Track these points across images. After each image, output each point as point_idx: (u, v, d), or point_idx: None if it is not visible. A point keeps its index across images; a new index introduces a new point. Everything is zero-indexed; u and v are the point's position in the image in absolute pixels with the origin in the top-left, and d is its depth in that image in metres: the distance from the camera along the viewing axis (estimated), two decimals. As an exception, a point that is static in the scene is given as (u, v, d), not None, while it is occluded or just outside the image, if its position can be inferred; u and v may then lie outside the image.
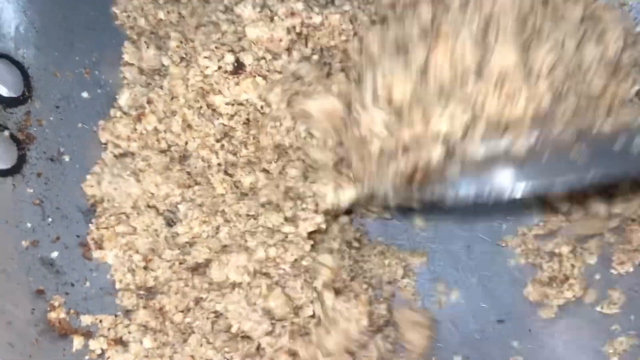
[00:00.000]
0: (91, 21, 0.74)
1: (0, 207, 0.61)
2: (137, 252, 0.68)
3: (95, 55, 0.74)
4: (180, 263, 0.68)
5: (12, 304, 0.56)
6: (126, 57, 0.76)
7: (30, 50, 0.68)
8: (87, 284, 0.64)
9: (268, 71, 0.69)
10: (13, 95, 0.66)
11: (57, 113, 0.70)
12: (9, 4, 0.66)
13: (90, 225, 0.68)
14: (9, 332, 0.55)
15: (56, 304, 0.60)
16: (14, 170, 0.64)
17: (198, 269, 0.68)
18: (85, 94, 0.73)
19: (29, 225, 0.63)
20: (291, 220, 0.68)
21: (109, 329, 0.62)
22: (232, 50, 0.71)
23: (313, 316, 0.67)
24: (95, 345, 0.59)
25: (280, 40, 0.70)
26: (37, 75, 0.69)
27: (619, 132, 0.59)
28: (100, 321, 0.61)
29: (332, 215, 0.74)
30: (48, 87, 0.69)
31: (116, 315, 0.63)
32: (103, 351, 0.60)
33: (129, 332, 0.62)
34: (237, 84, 0.69)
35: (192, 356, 0.63)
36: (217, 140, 0.72)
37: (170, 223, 0.70)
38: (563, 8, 0.63)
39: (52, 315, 0.59)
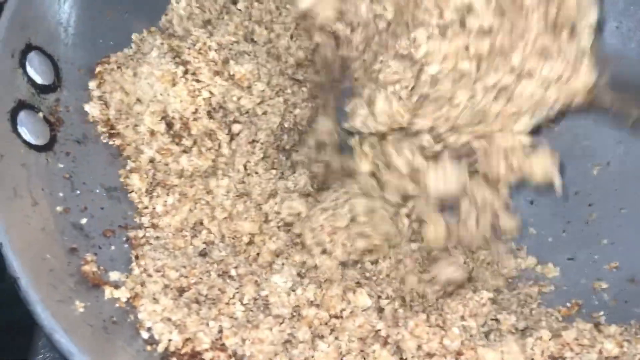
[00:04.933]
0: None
1: (37, 177, 0.68)
2: None
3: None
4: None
5: (51, 255, 0.63)
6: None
7: (60, 47, 0.77)
8: (112, 247, 0.71)
9: None
10: (45, 83, 0.74)
11: (81, 102, 0.78)
12: (47, 11, 0.75)
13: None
14: (51, 277, 0.61)
15: (89, 259, 0.67)
16: (47, 147, 0.71)
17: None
18: (104, 88, 0.81)
19: (61, 194, 0.70)
20: None
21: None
22: None
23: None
24: (122, 294, 0.66)
25: None
26: (65, 68, 0.77)
27: None
28: (127, 276, 0.68)
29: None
30: (74, 79, 0.78)
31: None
32: (128, 299, 0.66)
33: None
34: None
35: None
36: None
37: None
38: None
39: (86, 268, 0.65)
